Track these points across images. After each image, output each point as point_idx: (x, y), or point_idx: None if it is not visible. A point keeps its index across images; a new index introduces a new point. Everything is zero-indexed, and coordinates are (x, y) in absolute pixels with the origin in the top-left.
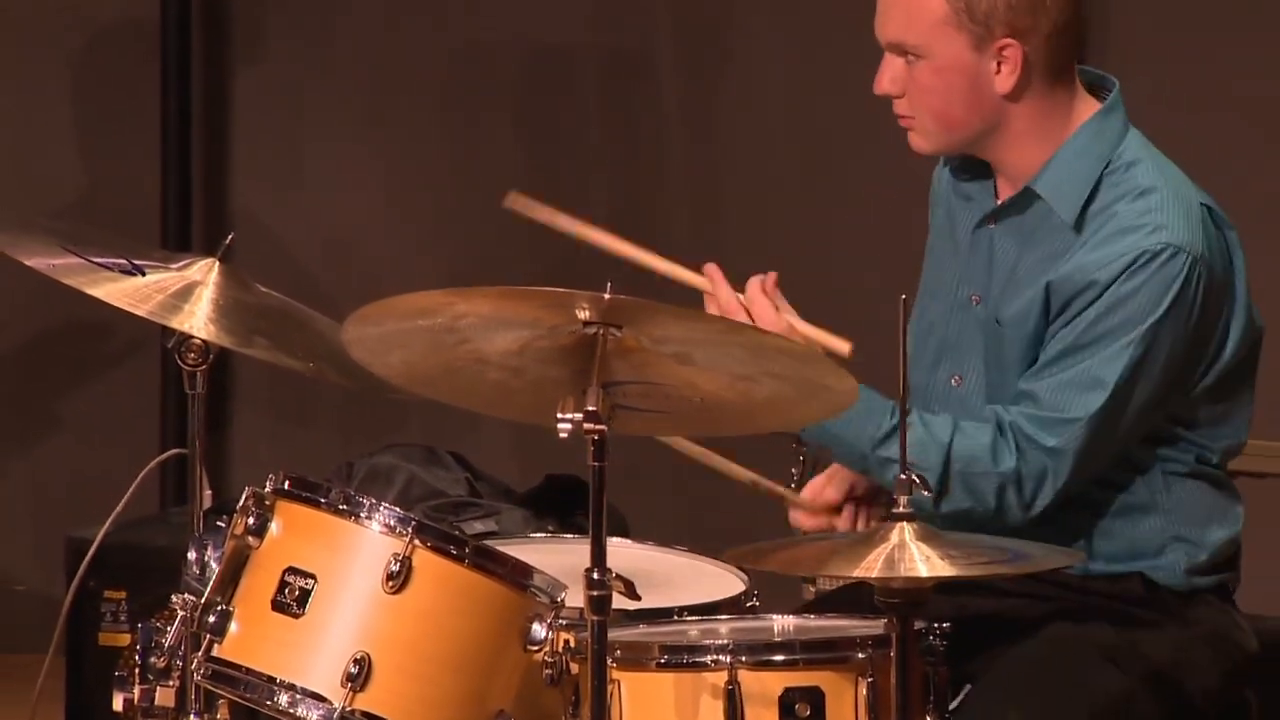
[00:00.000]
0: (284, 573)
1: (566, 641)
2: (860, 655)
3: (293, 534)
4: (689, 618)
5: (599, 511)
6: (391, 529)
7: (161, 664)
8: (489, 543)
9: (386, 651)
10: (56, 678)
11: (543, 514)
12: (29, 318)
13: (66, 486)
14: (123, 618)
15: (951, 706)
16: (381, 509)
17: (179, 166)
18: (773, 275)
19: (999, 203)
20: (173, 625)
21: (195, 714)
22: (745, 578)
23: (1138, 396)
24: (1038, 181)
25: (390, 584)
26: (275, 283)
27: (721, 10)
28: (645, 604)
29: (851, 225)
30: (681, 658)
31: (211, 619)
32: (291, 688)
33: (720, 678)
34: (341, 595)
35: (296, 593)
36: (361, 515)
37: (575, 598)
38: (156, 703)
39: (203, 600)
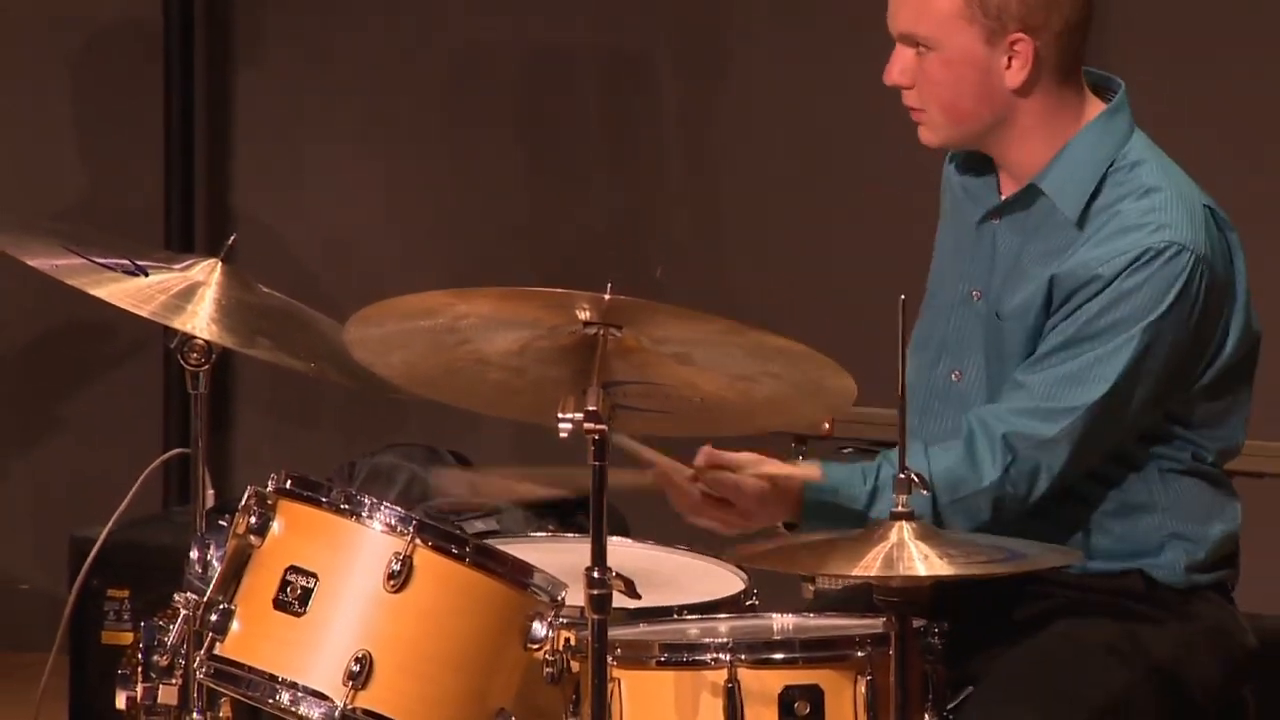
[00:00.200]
0: (286, 571)
1: (567, 640)
2: (859, 654)
3: (294, 533)
4: (689, 616)
5: (599, 511)
6: (393, 528)
7: (164, 662)
8: (490, 542)
9: (388, 650)
10: (60, 676)
11: (543, 513)
12: (32, 318)
13: (70, 486)
14: (126, 616)
15: (951, 706)
16: (383, 508)
17: (182, 167)
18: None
19: (1003, 199)
20: (175, 624)
21: (198, 712)
22: (745, 577)
23: (1136, 392)
24: (1042, 178)
25: (391, 583)
26: (277, 283)
27: (721, 12)
28: (645, 603)
29: (851, 226)
30: (681, 656)
31: (214, 617)
32: (293, 686)
33: (720, 676)
34: (343, 594)
35: (298, 591)
36: (363, 514)
37: (576, 596)
38: (159, 701)
39: (205, 599)
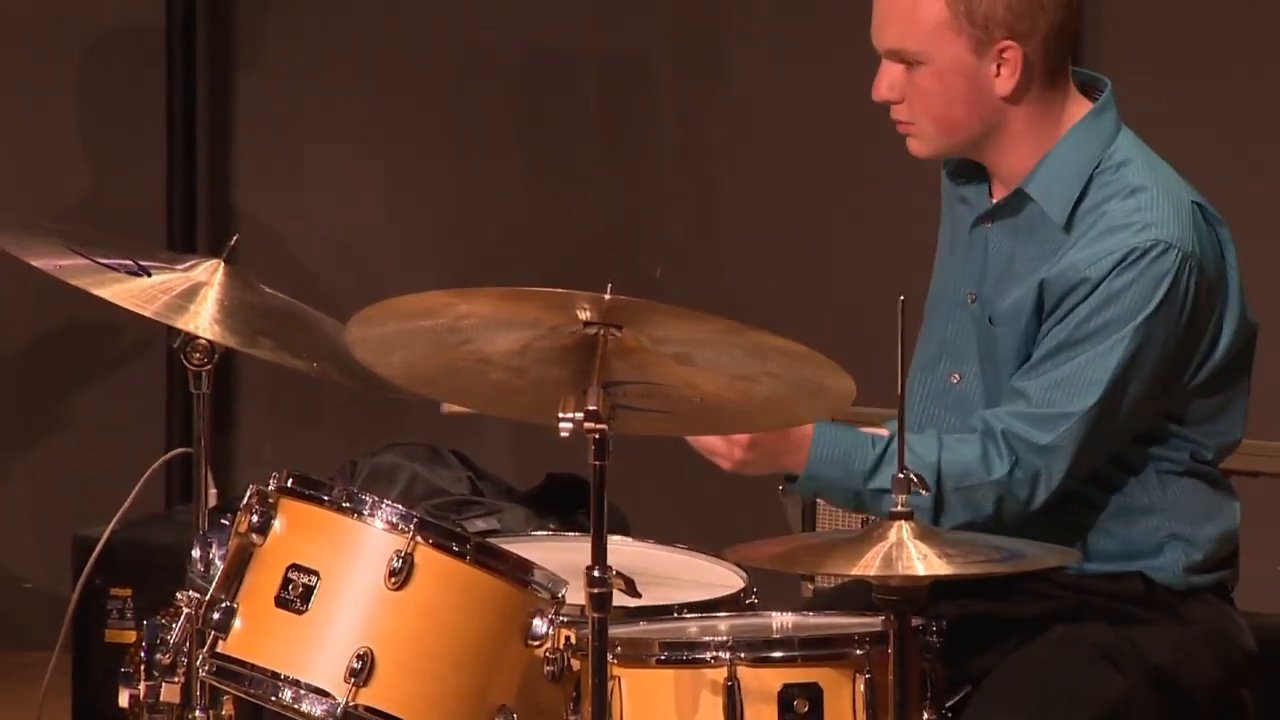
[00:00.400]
0: (287, 570)
1: (568, 638)
2: (858, 652)
3: (296, 531)
4: (689, 615)
5: (600, 509)
6: (394, 526)
7: (167, 660)
8: (491, 540)
9: (389, 647)
10: (63, 674)
11: (544, 512)
12: (36, 318)
13: (73, 485)
14: (128, 615)
15: (949, 704)
16: (384, 507)
17: (184, 169)
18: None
19: (993, 203)
20: (178, 622)
21: (200, 710)
22: (744, 575)
23: (1131, 392)
24: (1029, 182)
25: (393, 580)
26: (279, 283)
27: (721, 12)
28: (645, 601)
29: (850, 226)
30: (681, 654)
31: (216, 616)
32: (295, 683)
33: (719, 674)
34: (344, 592)
35: (300, 589)
36: (364, 513)
37: (576, 595)
38: (162, 699)
39: (207, 597)
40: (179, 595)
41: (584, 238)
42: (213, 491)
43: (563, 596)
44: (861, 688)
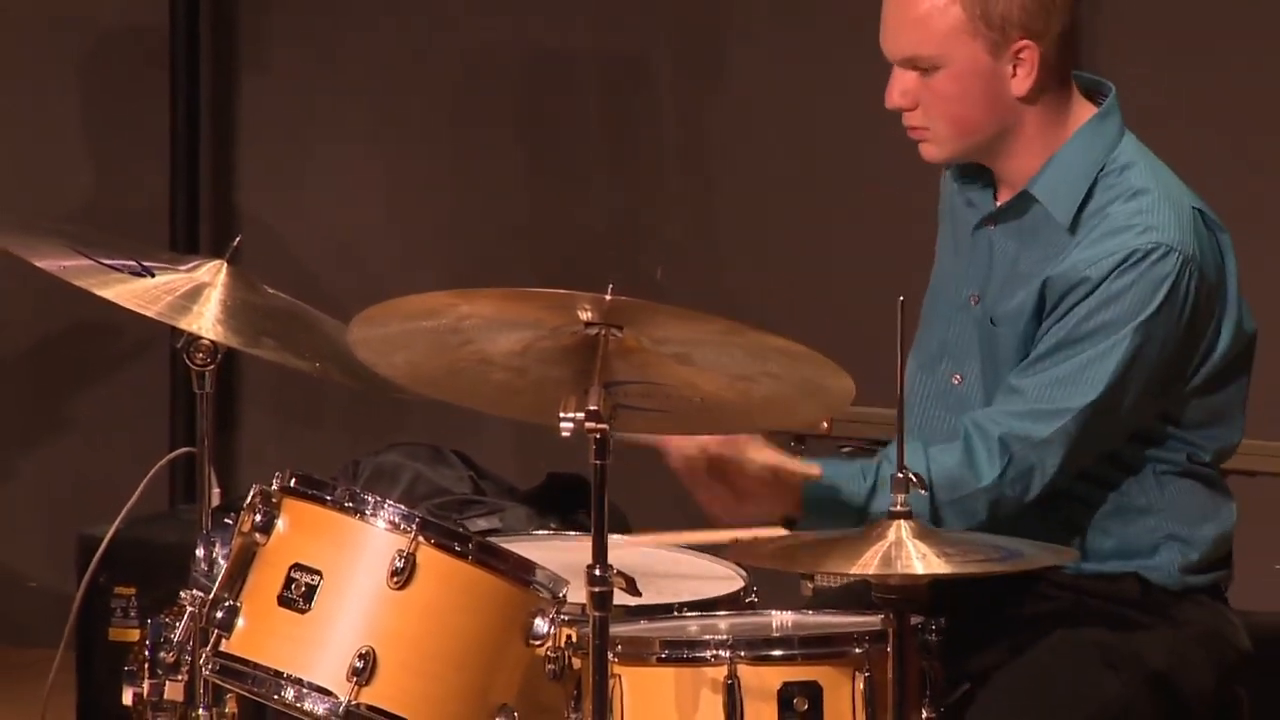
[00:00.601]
0: (290, 569)
1: (569, 637)
2: (857, 650)
3: (299, 531)
4: (689, 613)
5: (601, 509)
6: (396, 526)
7: (170, 659)
8: (492, 539)
9: (391, 646)
10: (67, 672)
11: (545, 511)
12: (40, 319)
13: (77, 484)
14: (132, 613)
15: (947, 702)
16: (386, 506)
17: (187, 170)
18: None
19: (998, 205)
20: (181, 621)
21: (204, 708)
22: (744, 574)
23: (1129, 392)
24: (1035, 184)
25: (395, 580)
26: (282, 284)
27: (721, 12)
28: (646, 600)
29: (850, 226)
30: (682, 653)
31: (219, 615)
32: (298, 682)
33: (720, 672)
34: (347, 591)
35: (303, 589)
36: (366, 512)
37: (577, 594)
38: (165, 697)
39: (210, 596)
40: (183, 594)
41: (584, 238)
42: (216, 491)
43: (564, 596)
44: (861, 686)
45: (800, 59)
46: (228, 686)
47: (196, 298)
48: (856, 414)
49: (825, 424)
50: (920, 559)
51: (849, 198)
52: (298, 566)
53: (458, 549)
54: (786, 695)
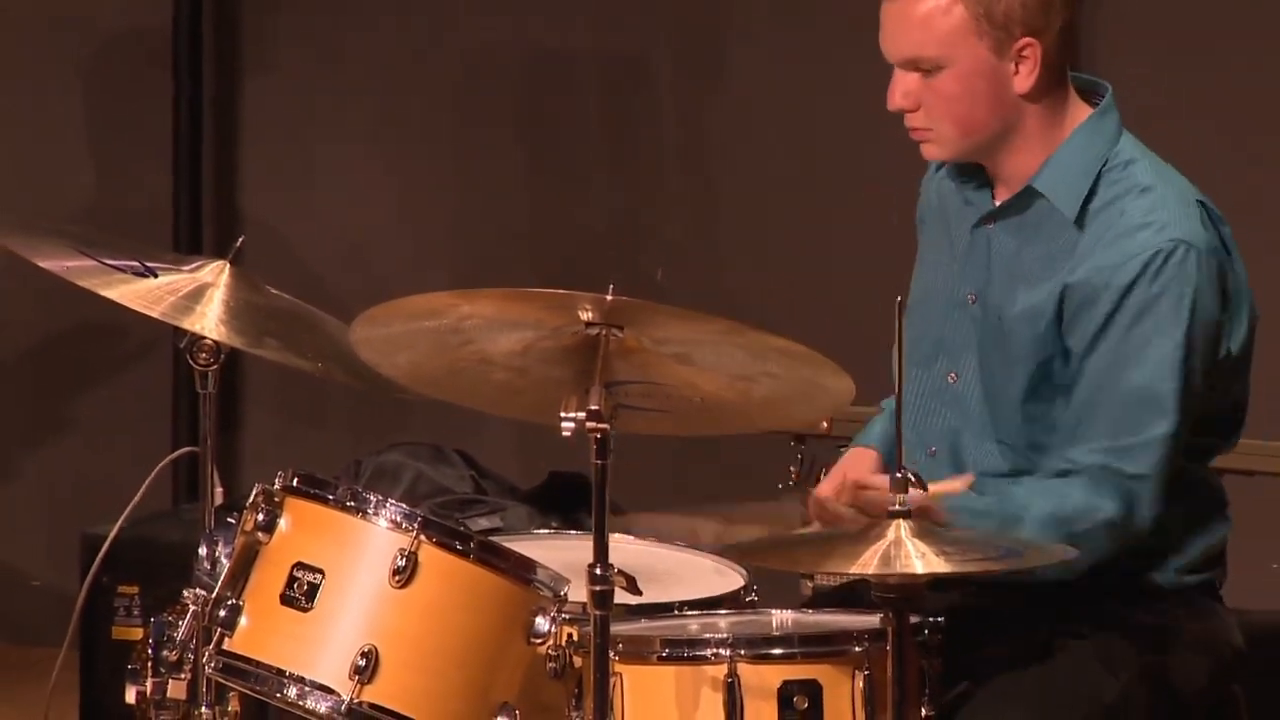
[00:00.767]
0: (293, 568)
1: (570, 635)
2: (857, 649)
3: (301, 530)
4: (689, 612)
5: (601, 508)
6: (398, 525)
7: (173, 657)
8: (494, 538)
9: (393, 645)
10: (71, 671)
11: (546, 511)
12: (44, 319)
13: (80, 484)
14: (135, 612)
15: (946, 699)
16: (388, 505)
17: (190, 170)
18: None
19: (997, 204)
20: (184, 619)
21: (206, 706)
22: (744, 573)
23: (1193, 391)
24: (1038, 179)
25: (397, 579)
26: (285, 284)
27: (721, 12)
28: (646, 599)
29: (850, 226)
30: (682, 651)
31: (222, 613)
32: (300, 680)
33: (720, 671)
34: (349, 590)
35: (305, 587)
36: (368, 511)
37: (578, 592)
38: (168, 695)
39: (213, 595)
40: (185, 593)
41: (584, 238)
42: (219, 490)
43: (565, 594)
44: (860, 684)
45: (800, 59)
46: (230, 685)
47: (199, 298)
48: (856, 413)
49: (825, 424)
50: (920, 558)
51: (849, 198)
52: (300, 565)
53: (459, 548)
54: (786, 693)
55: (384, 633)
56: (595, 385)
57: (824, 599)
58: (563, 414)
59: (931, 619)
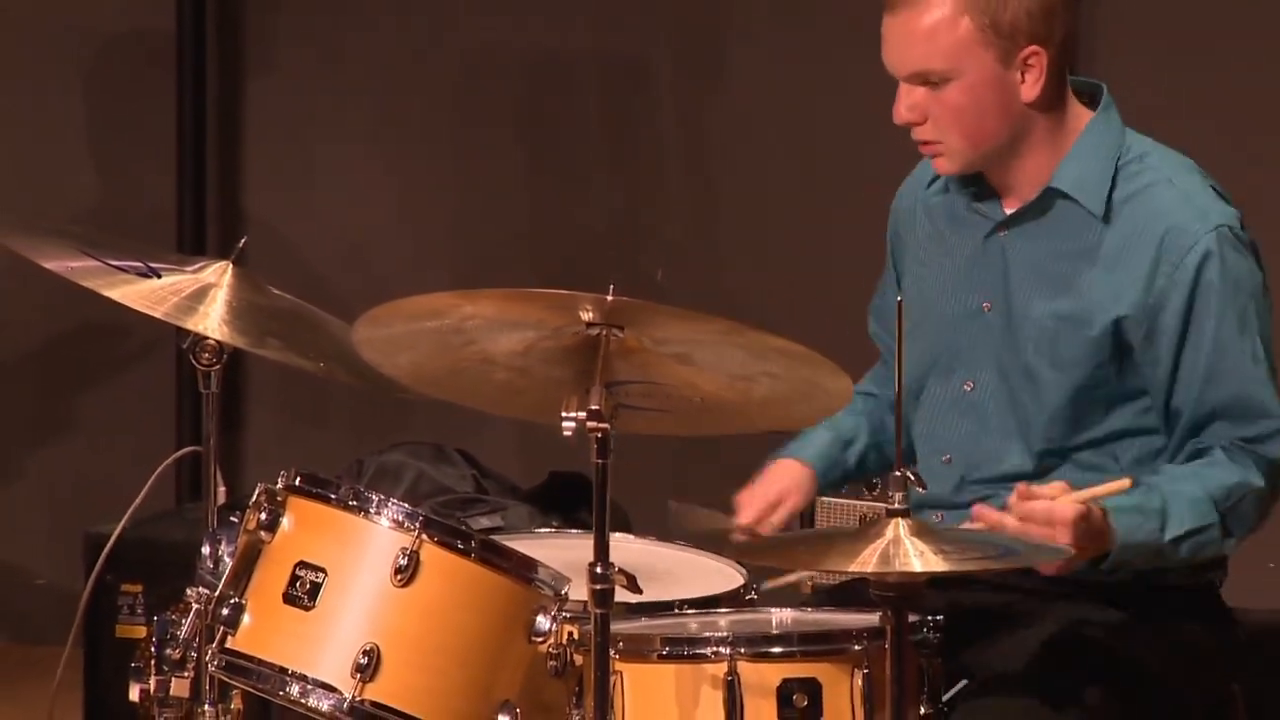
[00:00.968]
0: (295, 567)
1: (570, 634)
2: (856, 647)
3: (304, 529)
4: (689, 611)
5: (602, 507)
6: (400, 524)
7: (176, 655)
8: (495, 538)
9: (395, 643)
10: (75, 669)
11: (547, 510)
12: (48, 320)
13: (84, 483)
14: (139, 610)
15: (945, 697)
16: (390, 505)
17: (194, 171)
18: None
19: (1008, 212)
20: (187, 618)
21: (209, 704)
22: (744, 572)
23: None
24: (1059, 180)
25: (398, 577)
26: (287, 285)
27: (721, 13)
28: (647, 597)
29: (850, 227)
30: (682, 650)
31: (225, 612)
32: (302, 678)
33: (720, 669)
34: (351, 588)
35: (307, 586)
36: (370, 511)
37: (579, 591)
38: (172, 693)
39: (216, 593)
40: (189, 591)
41: (584, 238)
42: (221, 489)
43: (566, 593)
44: (859, 682)
45: (800, 59)
46: (233, 683)
47: (202, 298)
48: None
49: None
50: (918, 556)
51: (849, 198)
52: (302, 564)
53: (461, 547)
54: (786, 691)
55: (386, 631)
56: (596, 385)
57: (823, 597)
58: (564, 414)
59: (930, 617)
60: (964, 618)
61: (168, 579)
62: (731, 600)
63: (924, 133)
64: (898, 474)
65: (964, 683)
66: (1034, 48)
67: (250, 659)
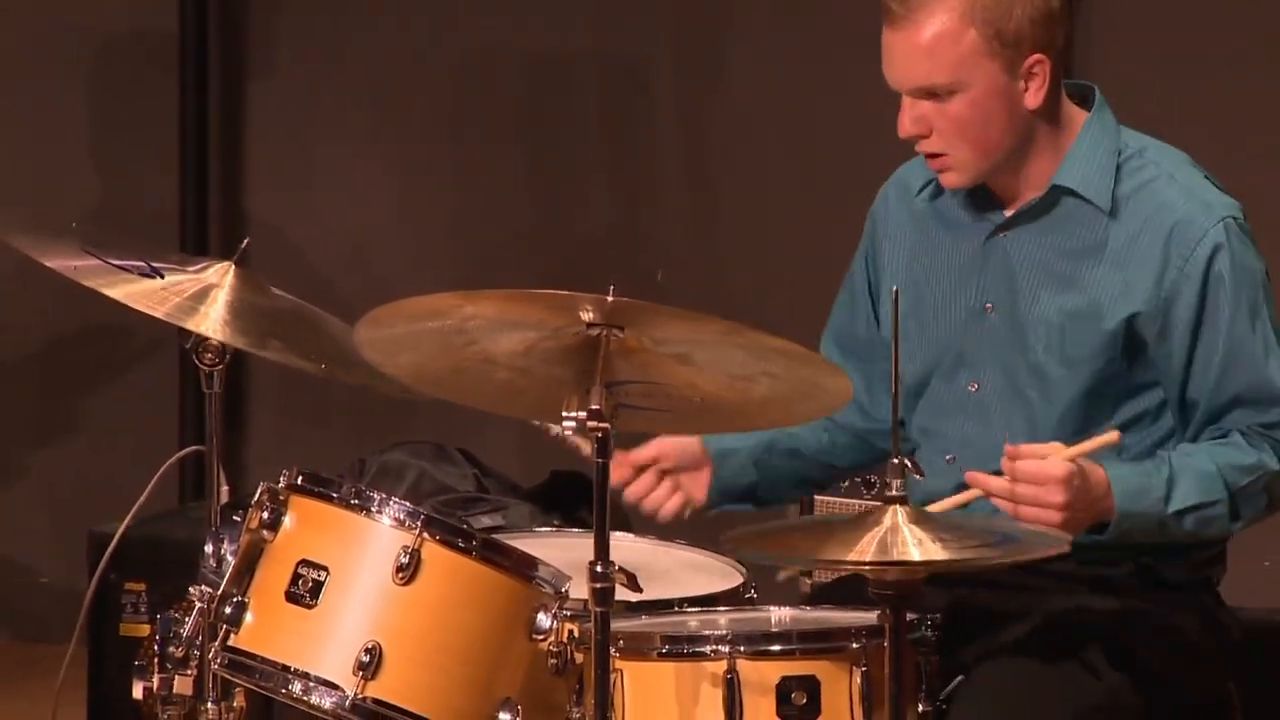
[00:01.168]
0: (297, 565)
1: (571, 632)
2: (854, 645)
3: (306, 528)
4: (689, 609)
5: (602, 506)
6: (401, 523)
7: (180, 654)
8: (496, 536)
9: (397, 641)
10: (79, 667)
11: (548, 509)
12: (51, 320)
13: (88, 482)
14: (143, 609)
15: (943, 695)
16: (391, 503)
17: (196, 172)
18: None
19: (1009, 213)
20: (191, 616)
21: (212, 702)
22: (743, 570)
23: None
24: (1063, 178)
25: (400, 576)
26: (289, 286)
27: (721, 14)
28: (647, 596)
29: (850, 227)
30: (682, 648)
31: (228, 610)
32: (305, 676)
33: (719, 667)
34: (353, 587)
35: (309, 584)
36: (372, 509)
37: (579, 589)
38: (175, 691)
39: (219, 592)
40: (192, 590)
41: (584, 239)
42: (224, 489)
43: (566, 591)
44: (858, 680)
45: (800, 59)
46: (236, 681)
47: (204, 299)
48: None
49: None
50: (916, 545)
51: (849, 198)
52: (305, 563)
53: (462, 545)
54: (785, 689)
55: (388, 629)
56: (596, 385)
57: (822, 596)
58: (564, 413)
59: (928, 615)
60: (961, 615)
61: (171, 578)
62: (731, 599)
63: (930, 145)
64: (895, 461)
65: (961, 678)
66: (1038, 55)
67: (253, 657)
